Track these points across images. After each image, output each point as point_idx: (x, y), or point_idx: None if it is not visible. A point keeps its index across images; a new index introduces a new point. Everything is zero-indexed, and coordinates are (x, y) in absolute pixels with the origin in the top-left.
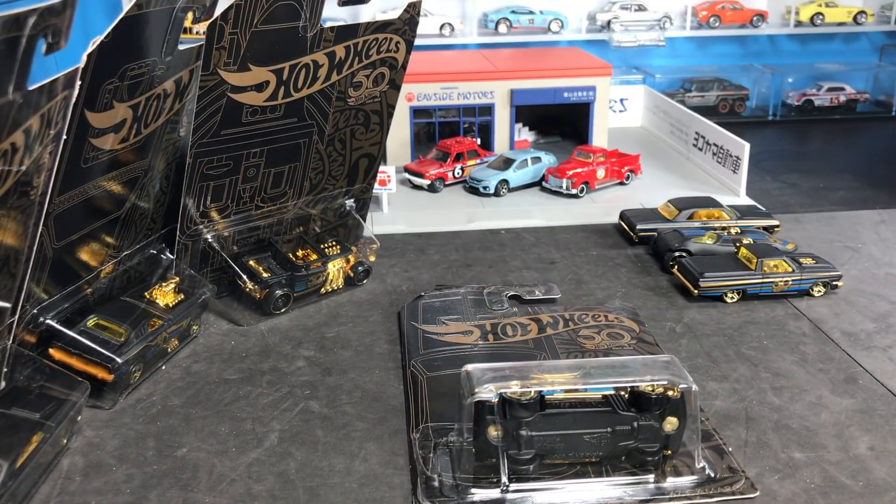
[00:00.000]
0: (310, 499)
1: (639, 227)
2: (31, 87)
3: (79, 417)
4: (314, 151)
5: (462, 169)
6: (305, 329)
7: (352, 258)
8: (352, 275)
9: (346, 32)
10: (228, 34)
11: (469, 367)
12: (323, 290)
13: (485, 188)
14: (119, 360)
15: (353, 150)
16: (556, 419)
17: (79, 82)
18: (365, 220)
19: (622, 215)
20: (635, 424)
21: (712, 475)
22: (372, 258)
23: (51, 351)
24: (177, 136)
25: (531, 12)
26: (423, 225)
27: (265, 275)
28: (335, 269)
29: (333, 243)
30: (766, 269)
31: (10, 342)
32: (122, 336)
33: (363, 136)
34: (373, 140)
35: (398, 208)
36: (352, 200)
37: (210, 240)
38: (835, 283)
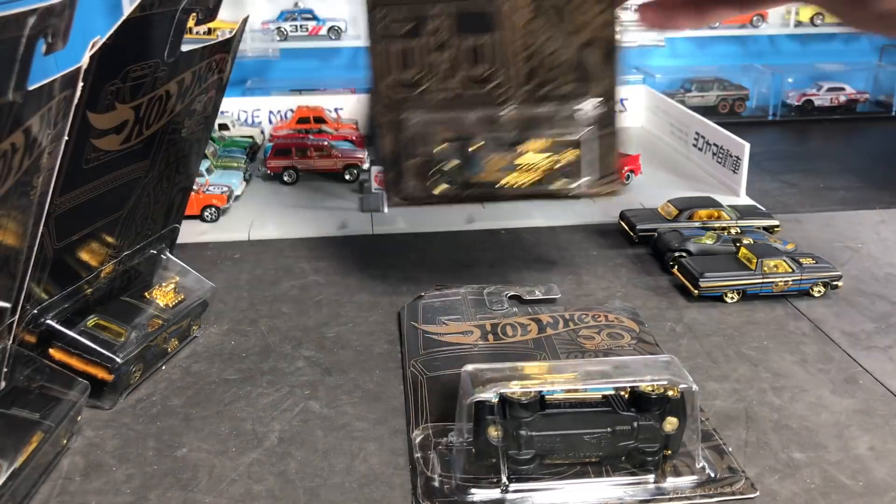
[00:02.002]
0: (310, 499)
1: (639, 227)
2: (30, 88)
3: (79, 417)
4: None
5: None
6: (305, 329)
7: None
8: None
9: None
10: None
11: (469, 367)
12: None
13: None
14: (119, 360)
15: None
16: (556, 419)
17: (81, 83)
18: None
19: (622, 215)
20: (635, 424)
21: (712, 475)
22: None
23: (51, 351)
24: (178, 136)
25: None
26: (423, 225)
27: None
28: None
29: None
30: (766, 269)
31: (11, 342)
32: (122, 336)
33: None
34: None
35: (398, 208)
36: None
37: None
38: (835, 283)
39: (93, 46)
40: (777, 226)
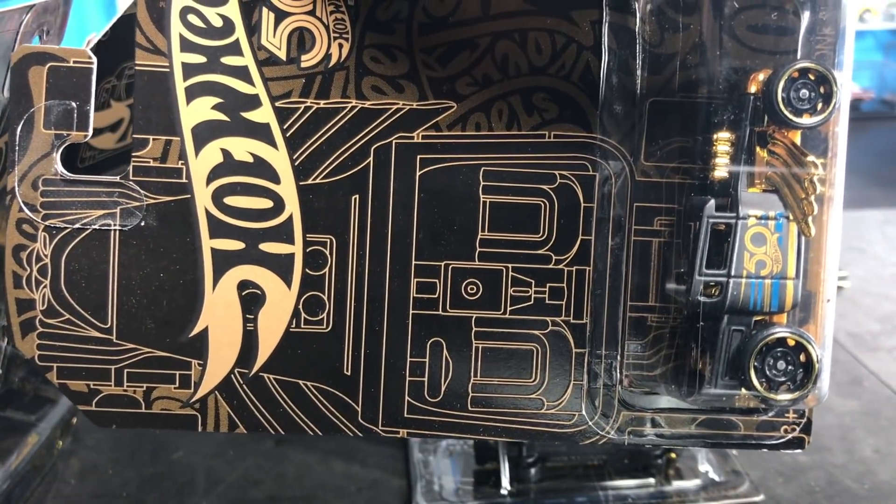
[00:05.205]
0: (308, 503)
1: None
2: None
3: (74, 420)
4: None
5: None
6: None
7: None
8: None
9: None
10: None
11: None
12: None
13: None
14: None
15: None
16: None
17: None
18: None
19: None
20: None
21: (716, 479)
22: None
23: None
24: None
25: None
26: None
27: None
28: None
29: None
30: None
31: (5, 344)
32: None
33: None
34: None
35: None
36: None
37: None
38: (839, 283)
39: (88, 43)
40: None
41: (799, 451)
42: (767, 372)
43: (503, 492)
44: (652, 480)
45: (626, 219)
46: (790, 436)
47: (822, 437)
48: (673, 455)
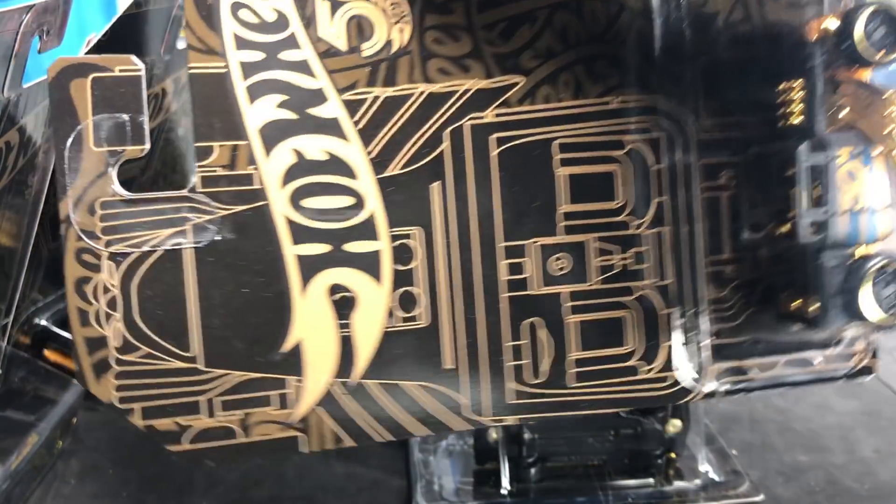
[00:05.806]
0: (308, 503)
1: None
2: (25, 86)
3: (74, 419)
4: None
5: None
6: None
7: None
8: None
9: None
10: None
11: None
12: None
13: None
14: None
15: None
16: (558, 421)
17: None
18: None
19: None
20: (638, 427)
21: (716, 479)
22: None
23: (46, 352)
24: (175, 135)
25: None
26: None
27: None
28: None
29: None
30: None
31: (5, 343)
32: None
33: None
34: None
35: None
36: None
37: None
38: None
39: (88, 43)
40: None
41: (868, 377)
42: (879, 299)
43: (503, 492)
44: (652, 480)
45: (693, 176)
46: (861, 364)
47: (822, 437)
48: (673, 455)
